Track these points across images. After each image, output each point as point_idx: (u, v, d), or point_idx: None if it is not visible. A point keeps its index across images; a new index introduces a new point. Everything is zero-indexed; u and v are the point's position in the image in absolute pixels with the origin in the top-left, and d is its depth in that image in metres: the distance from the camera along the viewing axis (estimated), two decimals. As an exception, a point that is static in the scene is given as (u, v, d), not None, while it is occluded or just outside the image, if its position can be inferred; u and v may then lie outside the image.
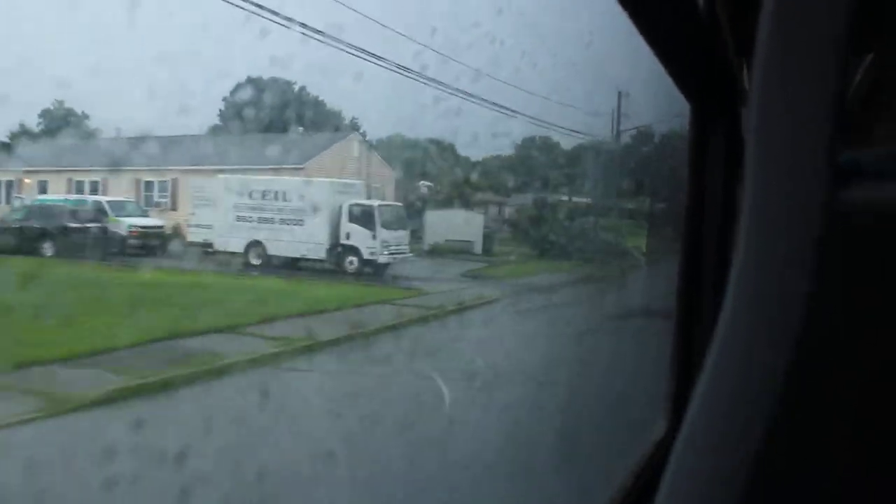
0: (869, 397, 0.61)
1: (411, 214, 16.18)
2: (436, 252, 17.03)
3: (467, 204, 19.06)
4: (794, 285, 0.59)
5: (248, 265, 12.66)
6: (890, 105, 2.08)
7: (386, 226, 14.12)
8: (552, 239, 18.53)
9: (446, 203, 18.25)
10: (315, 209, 13.37)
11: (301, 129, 14.49)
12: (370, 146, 17.03)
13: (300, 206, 13.31)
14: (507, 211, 21.77)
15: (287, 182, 13.42)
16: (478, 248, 18.13)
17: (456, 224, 18.11)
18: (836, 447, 0.62)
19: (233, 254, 12.75)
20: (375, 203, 14.52)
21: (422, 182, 17.35)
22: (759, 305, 0.60)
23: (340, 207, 13.87)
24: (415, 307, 11.91)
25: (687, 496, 0.61)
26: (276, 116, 11.79)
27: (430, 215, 17.51)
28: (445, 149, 17.01)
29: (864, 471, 0.62)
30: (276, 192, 13.18)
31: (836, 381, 0.61)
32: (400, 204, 16.01)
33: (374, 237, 13.83)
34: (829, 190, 0.58)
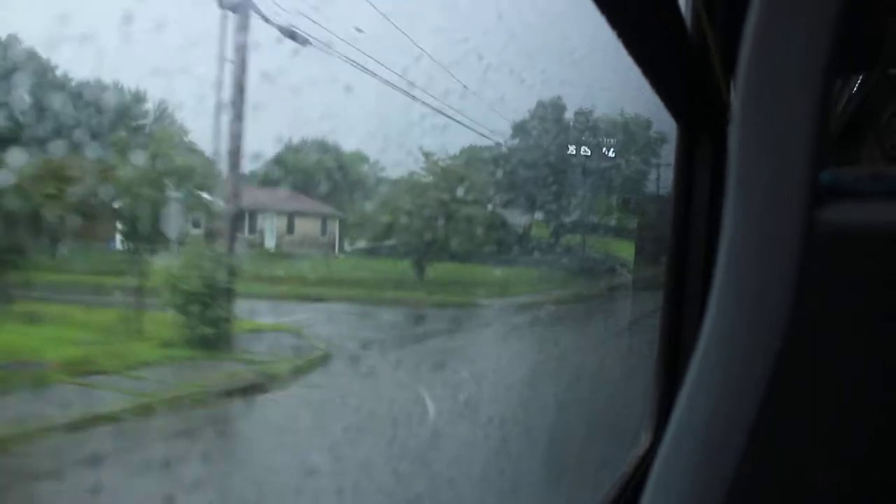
0: (846, 412, 0.62)
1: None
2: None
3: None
4: (774, 302, 0.59)
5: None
6: (877, 124, 2.09)
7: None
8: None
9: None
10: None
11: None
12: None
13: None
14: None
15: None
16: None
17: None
18: (814, 460, 0.63)
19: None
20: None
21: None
22: (740, 321, 0.61)
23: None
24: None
25: (673, 489, 0.62)
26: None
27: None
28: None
29: (842, 482, 0.63)
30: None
31: (814, 397, 0.62)
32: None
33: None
34: (809, 209, 0.58)
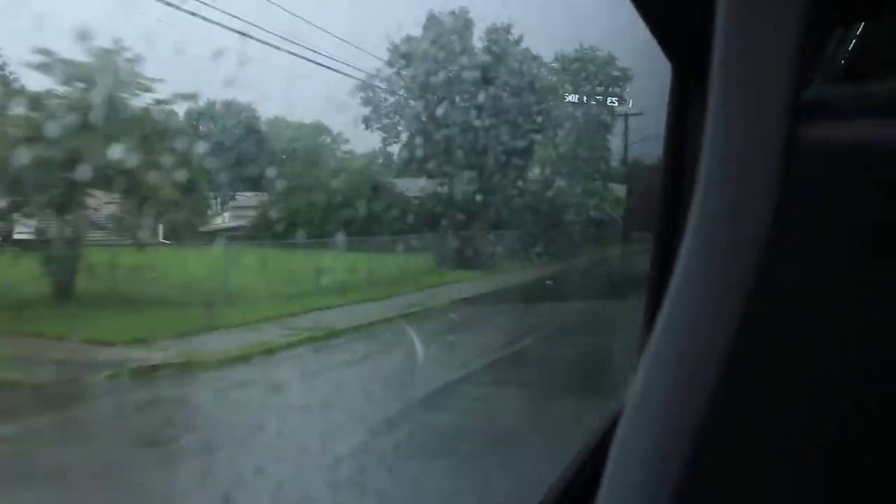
0: (825, 346, 0.60)
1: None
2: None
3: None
4: (754, 223, 0.58)
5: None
6: (874, 74, 2.09)
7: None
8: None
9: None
10: None
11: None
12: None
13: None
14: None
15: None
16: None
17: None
18: (791, 399, 0.62)
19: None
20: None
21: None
22: (717, 246, 0.59)
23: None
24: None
25: (629, 472, 0.61)
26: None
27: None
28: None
29: (805, 456, 0.61)
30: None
31: (792, 327, 0.61)
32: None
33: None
34: (791, 126, 0.57)
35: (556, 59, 17.58)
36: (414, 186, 15.26)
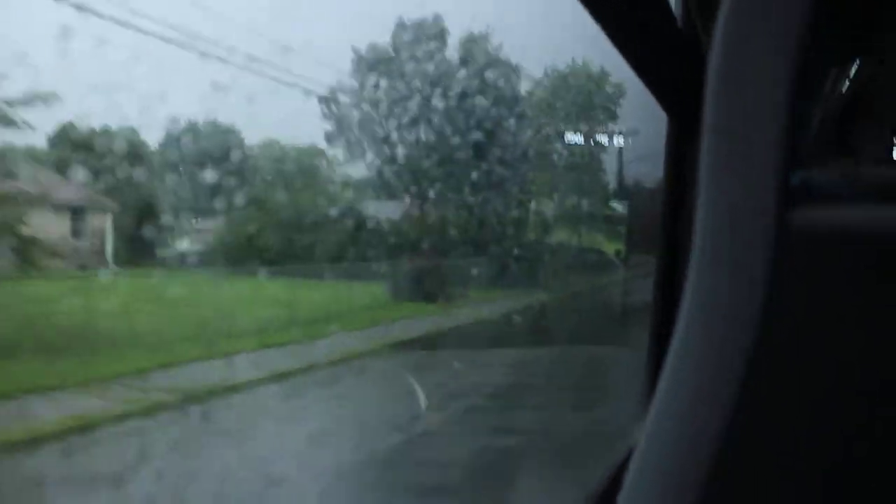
0: (819, 415, 0.62)
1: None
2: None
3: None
4: (746, 306, 0.59)
5: None
6: (872, 111, 2.09)
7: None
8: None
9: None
10: None
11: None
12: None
13: None
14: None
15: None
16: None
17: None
18: (788, 464, 0.63)
19: None
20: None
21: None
22: (713, 325, 0.60)
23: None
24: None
25: (646, 495, 0.62)
26: None
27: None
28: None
29: (816, 487, 0.62)
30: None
31: (786, 401, 0.62)
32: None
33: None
34: (780, 211, 0.58)
35: (546, 75, 16.62)
36: (386, 209, 13.66)
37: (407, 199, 13.50)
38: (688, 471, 0.60)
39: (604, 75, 16.77)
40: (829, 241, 0.60)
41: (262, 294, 9.94)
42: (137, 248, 10.80)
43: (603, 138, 16.65)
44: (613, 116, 17.30)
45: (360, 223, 12.53)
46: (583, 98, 16.90)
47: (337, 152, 14.87)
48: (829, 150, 2.03)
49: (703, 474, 0.60)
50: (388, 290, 11.97)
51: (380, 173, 13.48)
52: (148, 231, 10.64)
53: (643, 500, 0.62)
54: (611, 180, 17.33)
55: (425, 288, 11.91)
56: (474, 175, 12.88)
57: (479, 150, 12.59)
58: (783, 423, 0.62)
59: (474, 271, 13.05)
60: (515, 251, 13.49)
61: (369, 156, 13.94)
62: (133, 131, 11.25)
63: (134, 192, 10.02)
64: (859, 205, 0.62)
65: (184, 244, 12.49)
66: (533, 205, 15.63)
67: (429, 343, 10.36)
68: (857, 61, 2.15)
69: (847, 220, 0.60)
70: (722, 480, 0.60)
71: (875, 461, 0.60)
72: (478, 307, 12.34)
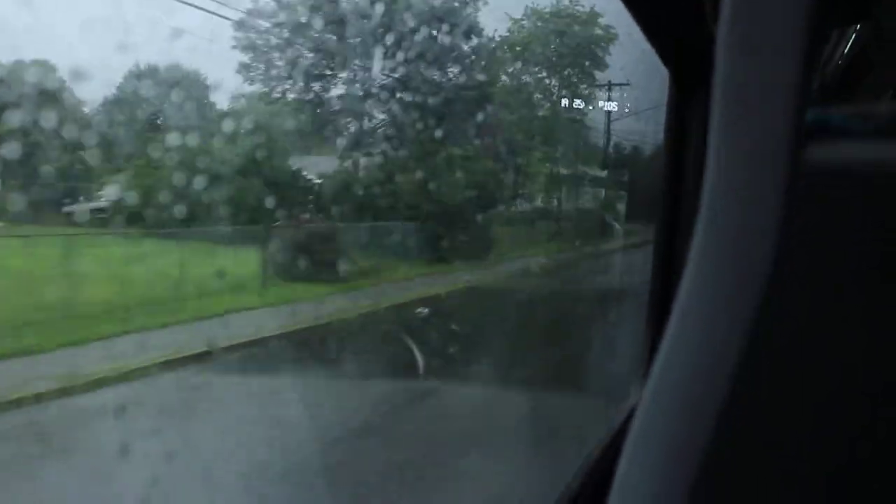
0: (831, 359, 0.61)
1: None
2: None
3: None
4: (759, 244, 0.57)
5: None
6: (875, 76, 2.08)
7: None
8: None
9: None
10: None
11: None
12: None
13: None
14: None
15: None
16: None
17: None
18: (800, 409, 0.62)
19: None
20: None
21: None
22: (723, 266, 0.58)
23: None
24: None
25: (646, 461, 0.61)
26: None
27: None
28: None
29: (819, 442, 0.62)
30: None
31: (799, 343, 0.61)
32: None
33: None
34: (795, 148, 0.56)
35: (526, 15, 13.96)
36: (319, 166, 10.82)
37: (342, 150, 10.44)
38: (689, 436, 0.59)
39: (593, 15, 14.79)
40: (845, 176, 0.59)
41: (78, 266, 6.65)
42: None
43: (590, 89, 14.79)
44: (602, 65, 15.27)
45: (279, 179, 9.59)
46: (568, 42, 14.82)
47: (254, 90, 10.83)
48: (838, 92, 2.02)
49: (699, 464, 0.58)
50: (268, 265, 9.37)
51: (311, 118, 10.45)
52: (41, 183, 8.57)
53: (642, 470, 0.61)
54: (597, 138, 15.53)
55: (313, 262, 9.35)
56: (423, 124, 10.05)
57: (434, 94, 10.30)
58: (795, 369, 0.61)
59: (395, 239, 10.42)
60: (463, 217, 10.98)
61: (294, 96, 10.67)
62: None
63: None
64: (874, 140, 0.61)
65: (98, 201, 10.33)
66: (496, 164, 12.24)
67: (234, 356, 6.90)
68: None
69: (862, 156, 0.60)
70: (723, 448, 0.58)
71: (878, 452, 0.59)
72: (374, 292, 9.30)
